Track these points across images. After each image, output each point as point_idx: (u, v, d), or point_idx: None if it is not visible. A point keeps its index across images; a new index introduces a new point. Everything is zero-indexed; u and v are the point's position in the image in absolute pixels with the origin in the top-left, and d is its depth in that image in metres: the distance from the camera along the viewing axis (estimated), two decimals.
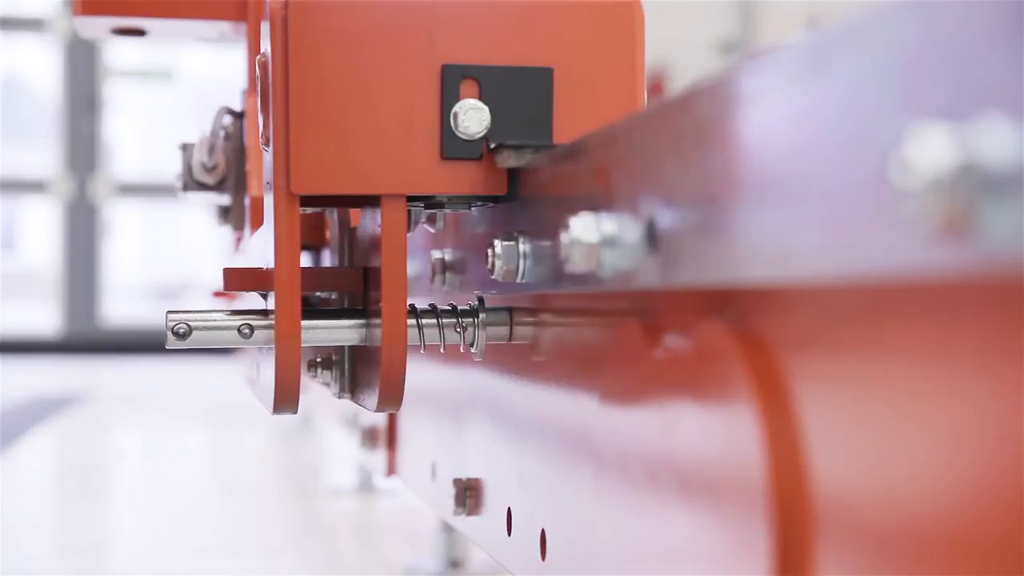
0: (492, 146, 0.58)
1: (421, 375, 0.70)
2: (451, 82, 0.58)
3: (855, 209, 0.30)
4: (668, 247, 0.41)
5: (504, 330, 0.64)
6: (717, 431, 0.39)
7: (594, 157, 0.49)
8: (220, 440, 2.35)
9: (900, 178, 0.26)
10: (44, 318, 4.85)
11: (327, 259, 0.85)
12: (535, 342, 0.62)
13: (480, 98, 0.58)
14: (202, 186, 1.03)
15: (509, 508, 0.65)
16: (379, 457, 1.14)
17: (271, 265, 0.59)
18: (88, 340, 4.65)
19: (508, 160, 0.58)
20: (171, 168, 1.07)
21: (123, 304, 5.18)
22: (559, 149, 0.55)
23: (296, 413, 0.67)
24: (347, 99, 0.57)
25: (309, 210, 0.72)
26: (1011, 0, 0.24)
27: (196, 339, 0.62)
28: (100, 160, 4.88)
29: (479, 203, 0.63)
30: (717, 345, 0.39)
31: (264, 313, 0.62)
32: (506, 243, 0.56)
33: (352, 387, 0.70)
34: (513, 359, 0.66)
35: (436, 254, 0.71)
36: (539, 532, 0.60)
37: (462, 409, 0.77)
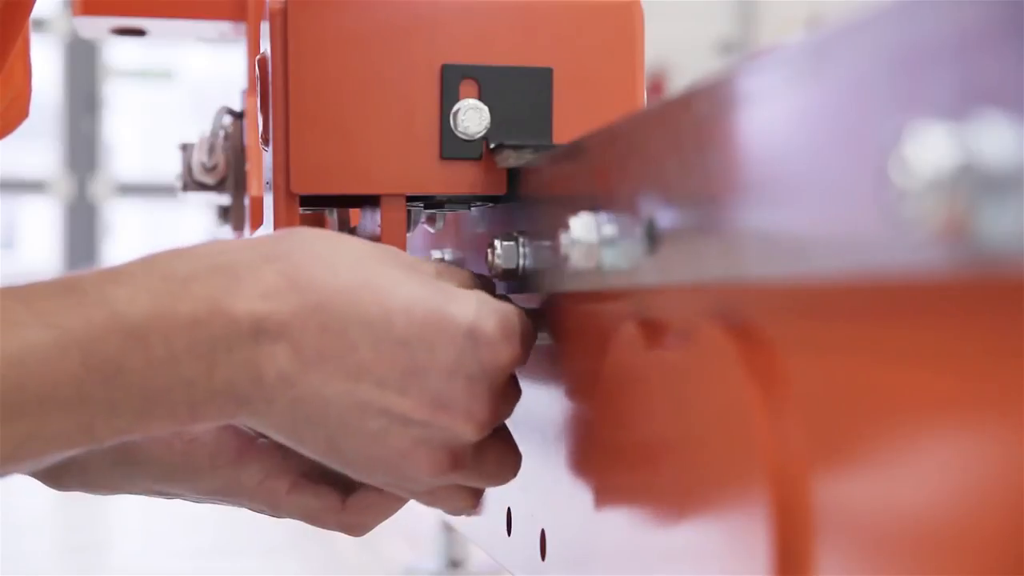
0: (492, 146, 0.58)
1: None
2: (451, 82, 0.58)
3: (854, 209, 0.30)
4: (668, 246, 0.41)
5: None
6: (717, 431, 0.39)
7: (594, 157, 0.49)
8: None
9: (899, 178, 0.26)
10: None
11: None
12: (534, 341, 0.62)
13: (480, 98, 0.58)
14: (202, 186, 1.03)
15: (509, 508, 0.65)
16: None
17: None
18: None
19: (508, 160, 0.58)
20: (171, 168, 1.08)
21: None
22: (559, 149, 0.55)
23: None
24: (347, 99, 0.57)
25: (309, 210, 0.72)
26: (1011, 0, 0.24)
27: None
28: (100, 160, 4.88)
29: (479, 203, 0.63)
30: (716, 345, 0.39)
31: None
32: (506, 243, 0.56)
33: None
34: None
35: (436, 254, 0.71)
36: (539, 532, 0.60)
37: None
